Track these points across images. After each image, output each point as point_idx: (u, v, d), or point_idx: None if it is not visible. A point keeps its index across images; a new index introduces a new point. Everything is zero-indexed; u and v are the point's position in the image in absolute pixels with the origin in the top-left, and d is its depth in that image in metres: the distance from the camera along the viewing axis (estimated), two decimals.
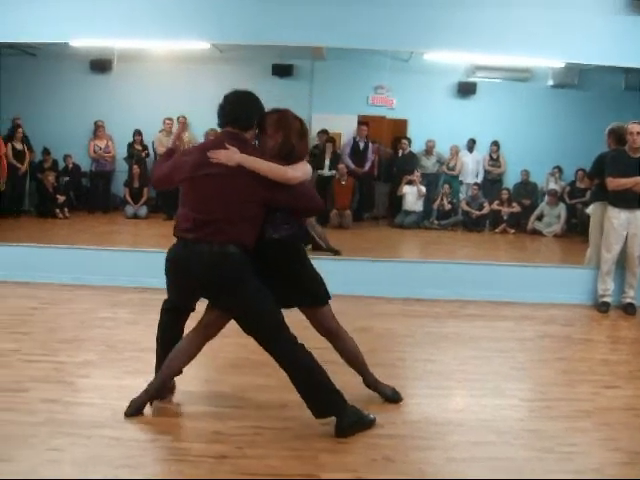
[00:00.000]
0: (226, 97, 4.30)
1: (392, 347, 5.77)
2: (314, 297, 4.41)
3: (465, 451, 3.97)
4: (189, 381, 4.79)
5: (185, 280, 4.20)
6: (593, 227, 7.98)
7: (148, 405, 4.31)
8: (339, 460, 3.77)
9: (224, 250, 4.02)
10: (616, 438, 4.26)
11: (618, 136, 7.63)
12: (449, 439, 4.11)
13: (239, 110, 4.25)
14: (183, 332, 4.53)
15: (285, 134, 4.23)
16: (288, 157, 4.16)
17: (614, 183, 7.41)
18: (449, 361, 5.54)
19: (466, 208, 11.25)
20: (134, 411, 4.23)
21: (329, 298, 4.46)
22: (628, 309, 7.56)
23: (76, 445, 3.79)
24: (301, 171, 4.16)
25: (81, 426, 4.03)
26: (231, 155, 4.03)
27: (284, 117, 4.30)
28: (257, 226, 4.14)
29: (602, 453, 4.07)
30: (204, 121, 11.24)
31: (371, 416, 4.25)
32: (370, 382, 4.64)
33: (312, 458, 3.77)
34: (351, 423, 4.10)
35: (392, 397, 4.63)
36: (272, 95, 11.06)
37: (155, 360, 4.52)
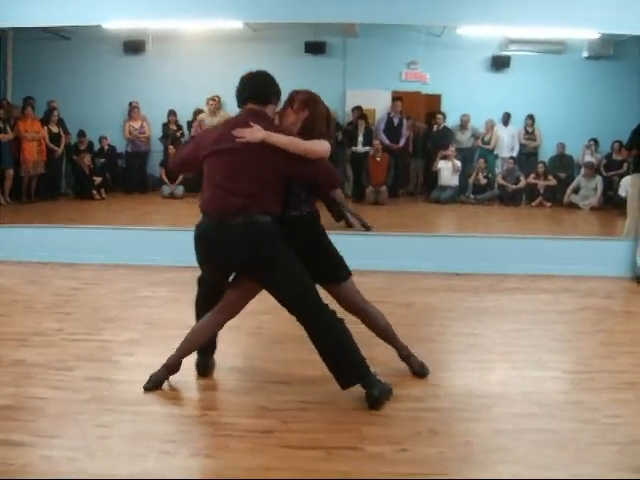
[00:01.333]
0: (242, 78, 4.40)
1: (433, 321, 5.80)
2: (334, 273, 4.43)
3: (509, 423, 3.98)
4: (233, 357, 4.88)
5: (217, 255, 4.23)
6: (632, 198, 7.92)
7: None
8: (383, 433, 3.79)
9: (255, 219, 4.09)
10: None
11: None
12: (492, 411, 4.12)
13: (256, 86, 4.36)
14: None
15: (311, 113, 4.33)
16: (308, 136, 4.22)
17: None
18: (490, 334, 5.55)
19: (502, 182, 11.16)
20: (152, 385, 4.31)
21: (350, 274, 4.48)
22: None
23: (123, 422, 3.85)
24: (321, 147, 4.22)
25: (127, 403, 4.09)
26: (255, 132, 4.11)
27: (313, 98, 4.42)
28: (281, 199, 4.23)
29: None
30: None
31: (389, 384, 4.30)
32: (404, 355, 4.66)
33: (356, 431, 3.80)
34: (380, 393, 4.15)
35: (419, 371, 4.64)
36: (305, 73, 11.19)
37: None
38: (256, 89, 4.35)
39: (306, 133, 4.24)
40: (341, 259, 4.46)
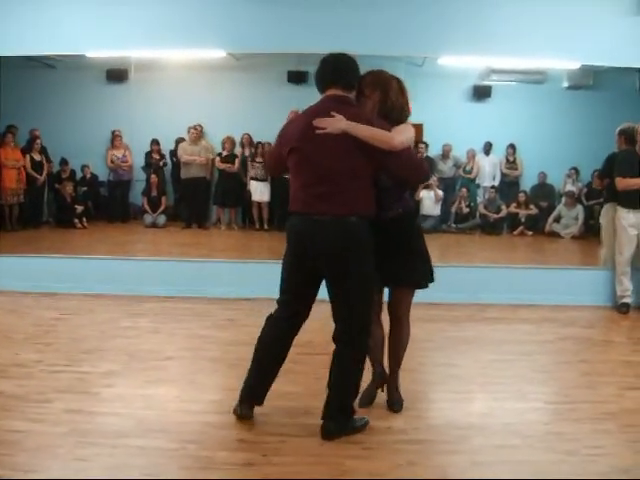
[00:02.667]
0: (324, 60, 4.16)
1: (412, 352, 5.72)
2: (419, 279, 4.42)
3: (489, 455, 3.96)
4: (213, 390, 4.85)
5: (307, 257, 4.09)
6: (605, 228, 8.01)
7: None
8: (364, 466, 3.77)
9: (346, 220, 3.95)
10: None
11: (628, 136, 7.65)
12: (473, 443, 4.10)
13: (343, 69, 4.12)
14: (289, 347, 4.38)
15: (382, 92, 4.17)
16: (390, 115, 4.11)
17: (623, 183, 7.43)
18: (470, 365, 5.54)
19: (483, 211, 11.25)
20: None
21: (431, 281, 4.47)
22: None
23: (101, 455, 3.81)
24: (405, 135, 4.03)
25: (106, 436, 4.05)
26: (336, 122, 3.93)
27: (380, 76, 4.25)
28: (372, 195, 4.05)
29: (628, 455, 4.04)
30: (221, 128, 11.36)
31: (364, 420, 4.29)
32: (390, 379, 4.66)
33: (337, 464, 3.77)
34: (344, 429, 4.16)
35: (393, 407, 4.59)
36: (288, 102, 11.18)
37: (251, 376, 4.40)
38: (342, 73, 4.11)
39: (386, 114, 4.11)
40: (431, 266, 4.43)
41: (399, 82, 4.29)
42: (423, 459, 3.87)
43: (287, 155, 4.11)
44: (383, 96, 4.16)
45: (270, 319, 4.35)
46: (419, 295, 7.41)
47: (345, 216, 3.94)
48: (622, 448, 4.13)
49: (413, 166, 4.17)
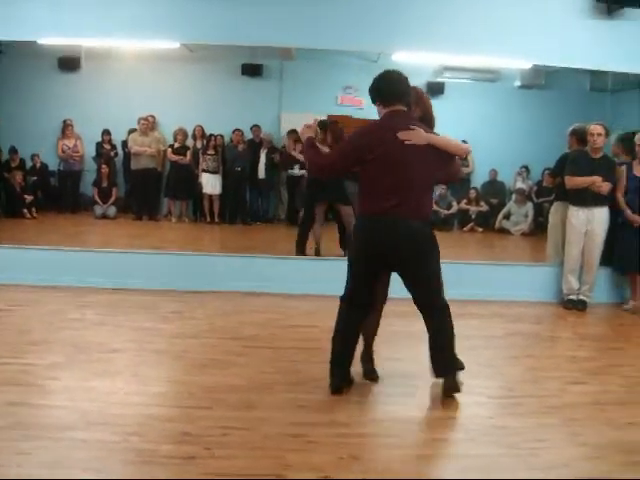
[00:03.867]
0: (387, 77, 4.61)
1: (358, 346, 5.79)
2: None
3: (432, 449, 4.00)
4: (157, 382, 4.81)
5: (382, 256, 4.62)
6: (552, 226, 8.14)
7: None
8: (306, 460, 3.76)
9: (422, 225, 4.59)
10: (583, 433, 4.31)
11: (580, 136, 7.80)
12: (416, 437, 4.15)
13: (406, 87, 4.61)
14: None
15: (423, 108, 4.76)
16: (427, 127, 4.61)
17: (572, 182, 7.58)
18: (416, 359, 5.51)
19: (435, 207, 11.30)
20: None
21: None
22: (579, 305, 7.74)
23: (43, 448, 3.76)
24: (462, 144, 4.79)
25: (49, 429, 4.00)
26: (421, 135, 4.42)
27: (417, 92, 4.82)
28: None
29: (570, 448, 4.12)
30: (173, 120, 11.28)
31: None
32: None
33: (279, 458, 3.76)
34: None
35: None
36: (241, 94, 11.15)
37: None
38: (407, 92, 4.60)
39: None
40: None
41: (428, 96, 4.98)
42: (366, 453, 3.88)
43: (368, 162, 4.50)
44: (422, 111, 4.77)
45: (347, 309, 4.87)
46: None
47: (421, 220, 4.57)
48: (564, 442, 4.20)
49: (458, 168, 4.97)
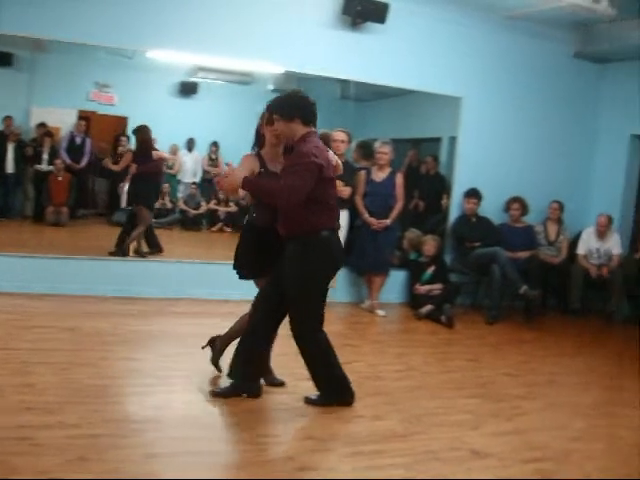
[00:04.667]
0: (305, 97, 4.87)
1: (96, 346, 5.73)
2: None
3: (164, 447, 4.04)
4: None
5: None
6: None
7: None
8: (32, 462, 3.68)
9: None
10: (310, 427, 4.57)
11: (324, 142, 8.08)
12: (148, 436, 4.16)
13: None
14: None
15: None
16: None
17: None
18: (152, 359, 5.60)
19: (183, 207, 11.32)
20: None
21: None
22: None
23: None
24: None
25: None
26: None
27: None
28: None
29: (296, 442, 4.35)
30: None
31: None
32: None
33: (3, 462, 3.64)
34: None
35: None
36: None
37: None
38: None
39: None
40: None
41: None
42: (95, 454, 3.84)
43: (323, 179, 4.71)
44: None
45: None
46: (113, 289, 7.41)
47: None
48: (290, 436, 4.44)
49: None
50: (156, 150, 9.44)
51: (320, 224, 4.76)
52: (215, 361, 5.33)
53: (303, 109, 4.77)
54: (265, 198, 4.72)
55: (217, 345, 5.36)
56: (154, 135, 11.22)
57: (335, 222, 4.91)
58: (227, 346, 5.29)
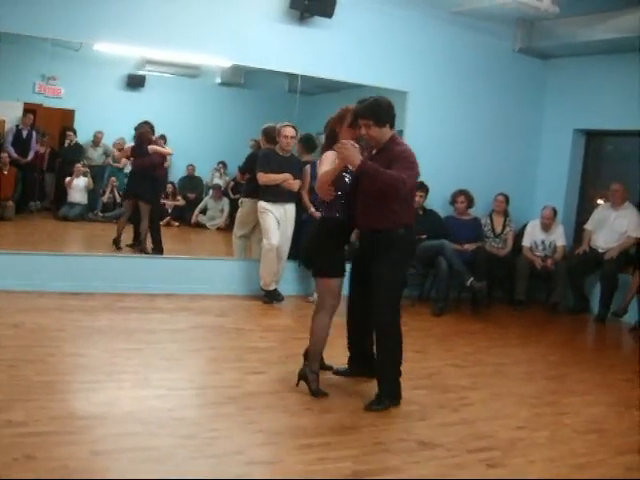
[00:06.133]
0: (390, 103, 5.15)
1: (43, 342, 5.69)
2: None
3: (110, 443, 4.02)
4: None
5: None
6: (242, 220, 8.48)
7: None
8: None
9: None
10: (259, 421, 4.56)
11: (269, 136, 8.17)
12: (94, 433, 4.14)
13: None
14: None
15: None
16: None
17: (264, 178, 7.95)
18: (99, 355, 5.56)
19: None
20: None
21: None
22: (278, 297, 8.16)
23: None
24: None
25: None
26: None
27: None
28: None
29: (244, 436, 4.34)
30: None
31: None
32: None
33: None
34: None
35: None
36: None
37: None
38: None
39: None
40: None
41: None
42: (42, 452, 3.81)
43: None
44: None
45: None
46: (60, 284, 7.34)
47: None
48: (239, 430, 4.42)
49: None
50: (156, 145, 9.37)
51: (405, 220, 5.06)
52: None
53: (393, 115, 5.07)
54: (379, 183, 4.81)
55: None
56: (101, 129, 11.19)
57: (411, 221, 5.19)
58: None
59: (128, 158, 9.95)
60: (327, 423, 4.65)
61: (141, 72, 11.13)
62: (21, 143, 10.52)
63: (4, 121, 10.71)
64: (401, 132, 9.34)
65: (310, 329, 5.24)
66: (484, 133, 9.91)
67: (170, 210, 11.33)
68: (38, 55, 9.72)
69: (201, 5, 7.98)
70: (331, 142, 5.13)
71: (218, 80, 11.15)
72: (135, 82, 11.21)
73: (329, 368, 5.52)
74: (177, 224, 11.25)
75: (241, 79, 10.88)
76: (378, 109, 4.98)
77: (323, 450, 4.19)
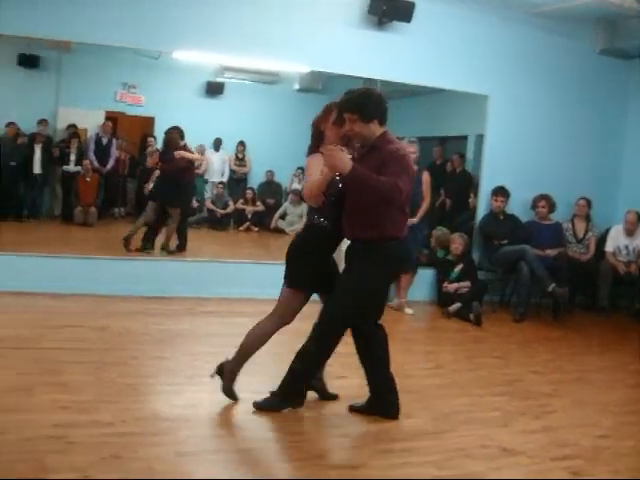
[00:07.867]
0: (382, 96, 4.60)
1: (127, 345, 5.80)
2: None
3: (194, 445, 4.06)
4: None
5: None
6: None
7: None
8: (67, 460, 3.72)
9: None
10: (342, 425, 4.58)
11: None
12: (179, 434, 4.19)
13: None
14: None
15: None
16: None
17: None
18: (181, 358, 5.65)
19: (211, 207, 11.40)
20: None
21: None
22: None
23: None
24: None
25: None
26: None
27: None
28: None
29: (327, 439, 4.43)
30: None
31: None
32: None
33: (38, 461, 3.69)
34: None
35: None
36: (17, 86, 10.68)
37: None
38: None
39: None
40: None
41: None
42: (128, 452, 3.88)
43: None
44: None
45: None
46: (141, 289, 7.46)
47: None
48: (322, 434, 4.51)
49: None
50: (184, 151, 9.46)
51: (393, 232, 4.52)
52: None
53: (383, 109, 4.51)
54: (373, 191, 4.26)
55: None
56: None
57: (402, 232, 4.61)
58: None
59: (156, 163, 10.02)
60: (409, 428, 4.64)
61: (220, 79, 11.28)
62: (101, 151, 10.76)
63: (86, 130, 10.96)
64: (482, 136, 9.27)
65: (250, 331, 5.09)
66: (565, 136, 9.73)
67: (250, 215, 11.44)
68: (119, 64, 9.96)
69: (278, 12, 8.02)
70: (317, 142, 4.65)
71: (296, 86, 11.22)
72: (214, 89, 11.37)
73: (334, 397, 5.16)
74: (256, 229, 11.37)
75: (319, 85, 10.92)
76: (365, 102, 4.43)
77: (405, 455, 4.18)
